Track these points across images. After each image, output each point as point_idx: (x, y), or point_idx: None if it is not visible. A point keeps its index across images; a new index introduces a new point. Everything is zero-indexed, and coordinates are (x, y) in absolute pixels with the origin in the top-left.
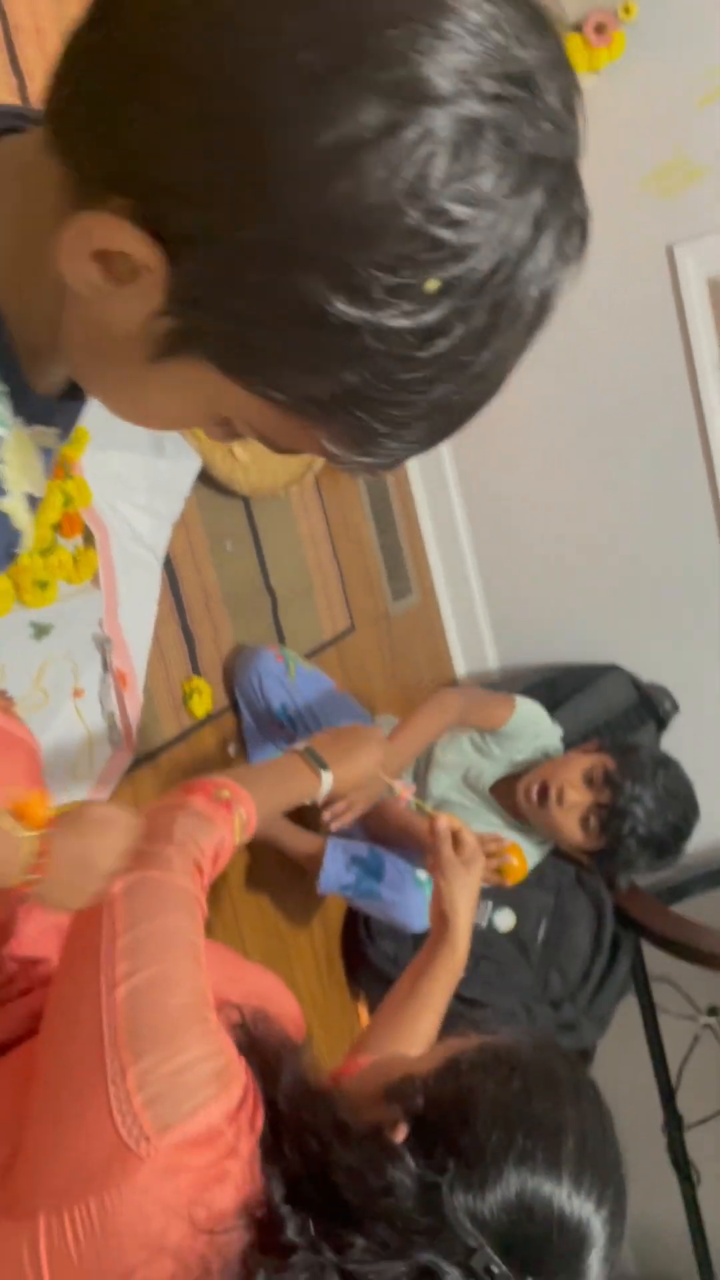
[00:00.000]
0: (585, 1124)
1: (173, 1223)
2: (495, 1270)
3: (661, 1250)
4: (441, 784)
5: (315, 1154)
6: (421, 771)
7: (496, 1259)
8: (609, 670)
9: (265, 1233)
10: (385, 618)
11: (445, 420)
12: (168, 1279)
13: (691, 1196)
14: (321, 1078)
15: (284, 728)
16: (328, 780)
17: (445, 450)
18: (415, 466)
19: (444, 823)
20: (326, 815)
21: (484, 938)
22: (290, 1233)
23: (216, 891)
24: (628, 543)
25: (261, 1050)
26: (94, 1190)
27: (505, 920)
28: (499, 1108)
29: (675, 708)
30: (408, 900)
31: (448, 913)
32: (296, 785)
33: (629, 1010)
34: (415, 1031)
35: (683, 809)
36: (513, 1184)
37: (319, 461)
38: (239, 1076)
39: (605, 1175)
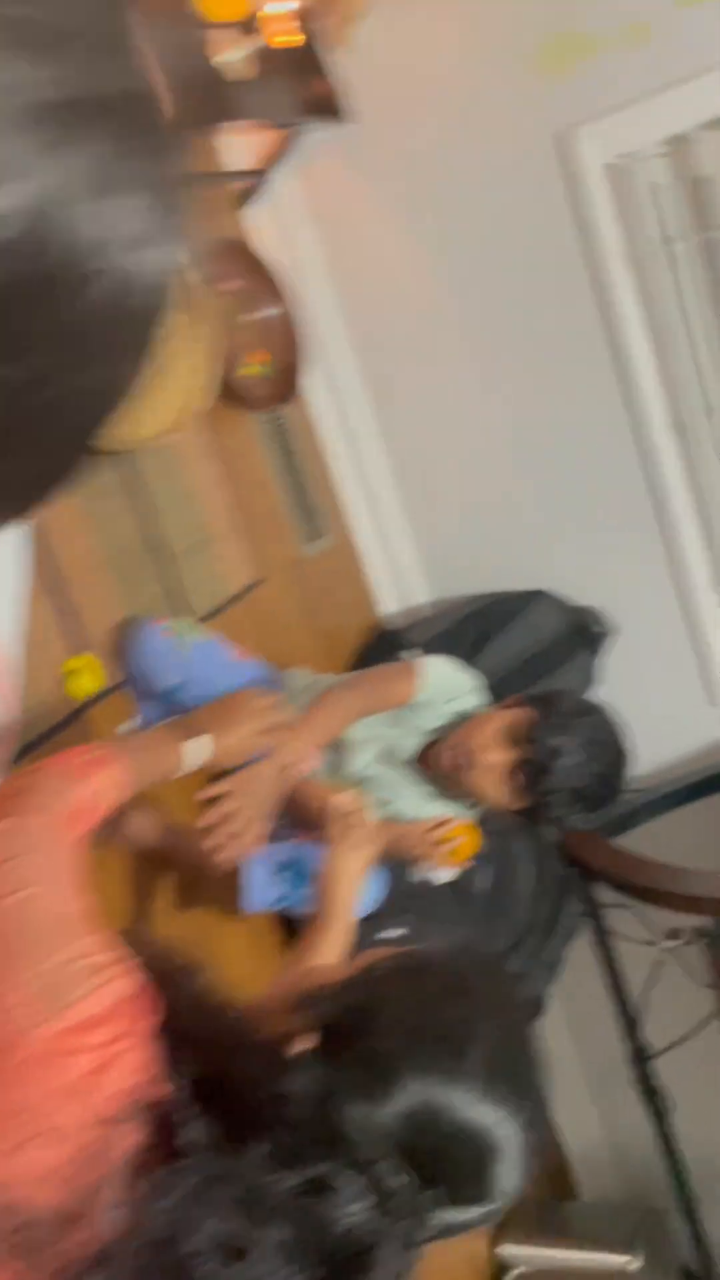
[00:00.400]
0: (497, 1034)
1: (65, 1104)
2: (393, 1183)
3: (643, 1173)
4: (360, 761)
5: (215, 1062)
6: (337, 752)
7: (394, 1172)
8: (537, 596)
9: (160, 1135)
10: (298, 563)
11: None
12: (56, 1162)
13: (661, 1125)
14: (226, 993)
15: (177, 709)
16: (201, 747)
17: (350, 378)
18: (318, 397)
19: (335, 801)
20: (207, 844)
21: (415, 892)
22: (188, 1134)
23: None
24: (546, 457)
25: (159, 960)
26: None
27: (443, 872)
28: (404, 1014)
29: (608, 629)
30: None
31: (327, 890)
32: (166, 753)
33: (588, 942)
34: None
35: (610, 756)
36: (413, 1093)
37: (197, 401)
38: (131, 972)
39: (516, 1086)
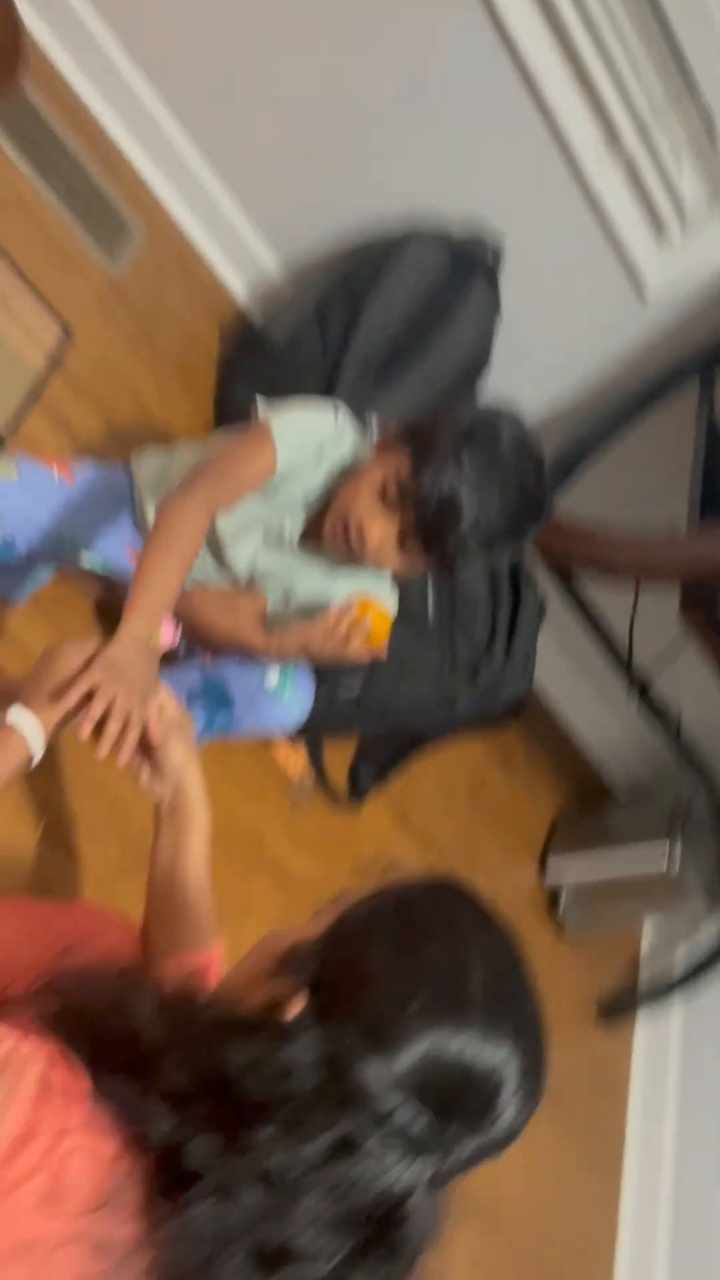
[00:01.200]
0: (490, 960)
1: (35, 1223)
2: (416, 1128)
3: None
4: (244, 556)
5: (204, 1062)
6: (217, 552)
7: (413, 1115)
8: (405, 241)
9: (162, 1174)
10: (108, 287)
11: None
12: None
13: (677, 739)
14: (189, 984)
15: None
16: (25, 725)
17: (87, 11)
18: (57, 54)
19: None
20: (100, 754)
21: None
22: (192, 1159)
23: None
24: (377, 50)
25: (89, 994)
26: None
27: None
28: (393, 961)
29: (497, 251)
30: (268, 711)
31: (179, 787)
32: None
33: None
34: (204, 924)
35: (519, 477)
36: (421, 1041)
37: None
38: (30, 1056)
39: (516, 1010)
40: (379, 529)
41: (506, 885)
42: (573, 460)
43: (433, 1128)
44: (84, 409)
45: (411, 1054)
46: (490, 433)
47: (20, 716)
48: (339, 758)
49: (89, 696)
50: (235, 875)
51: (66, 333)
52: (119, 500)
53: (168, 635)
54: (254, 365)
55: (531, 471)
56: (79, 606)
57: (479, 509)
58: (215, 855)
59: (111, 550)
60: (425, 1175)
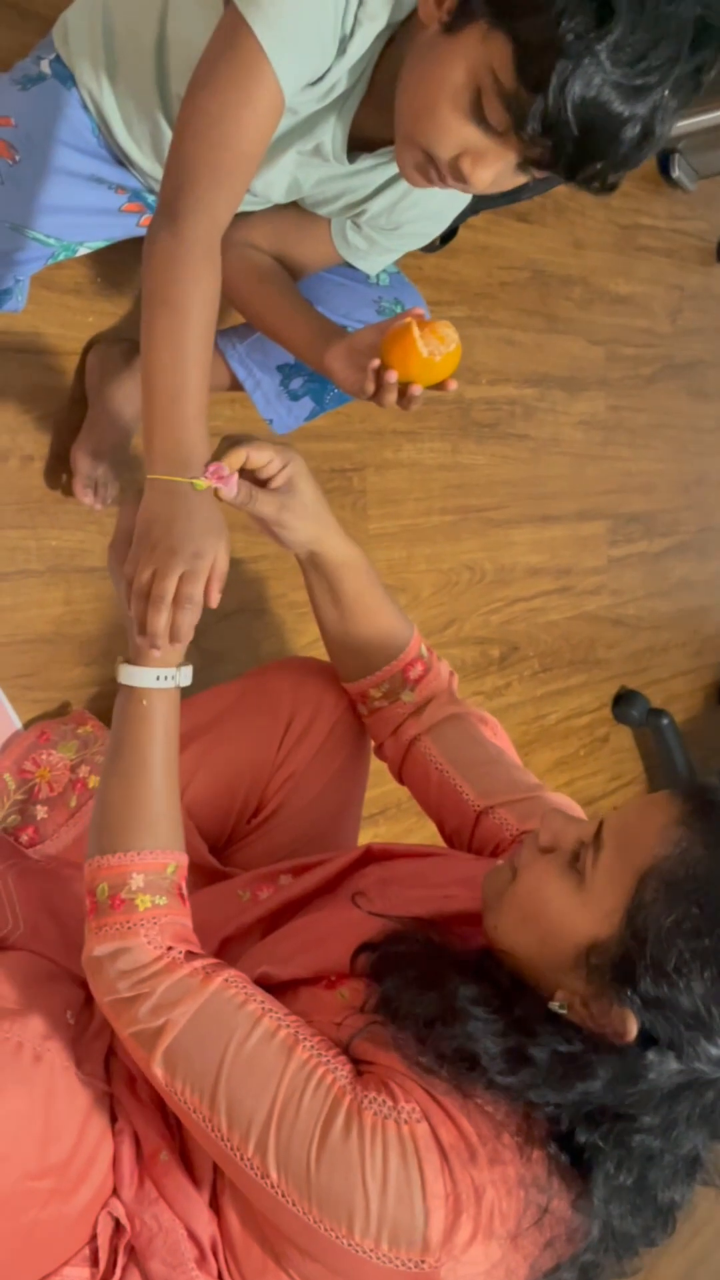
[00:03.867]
0: None
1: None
2: None
3: None
4: (279, 183)
5: (564, 1092)
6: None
7: None
8: None
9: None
10: None
11: None
12: None
13: None
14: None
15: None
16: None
17: None
18: None
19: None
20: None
21: None
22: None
23: None
24: None
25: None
26: None
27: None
28: (702, 961)
29: None
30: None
31: (314, 553)
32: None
33: None
34: (390, 640)
35: (693, 16)
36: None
37: None
38: (411, 1116)
39: None
40: (489, 165)
41: None
42: None
43: None
44: None
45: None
46: None
47: (129, 674)
48: None
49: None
50: None
51: None
52: (77, 136)
53: (225, 482)
54: None
55: None
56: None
57: (645, 108)
58: None
59: (103, 223)
60: None
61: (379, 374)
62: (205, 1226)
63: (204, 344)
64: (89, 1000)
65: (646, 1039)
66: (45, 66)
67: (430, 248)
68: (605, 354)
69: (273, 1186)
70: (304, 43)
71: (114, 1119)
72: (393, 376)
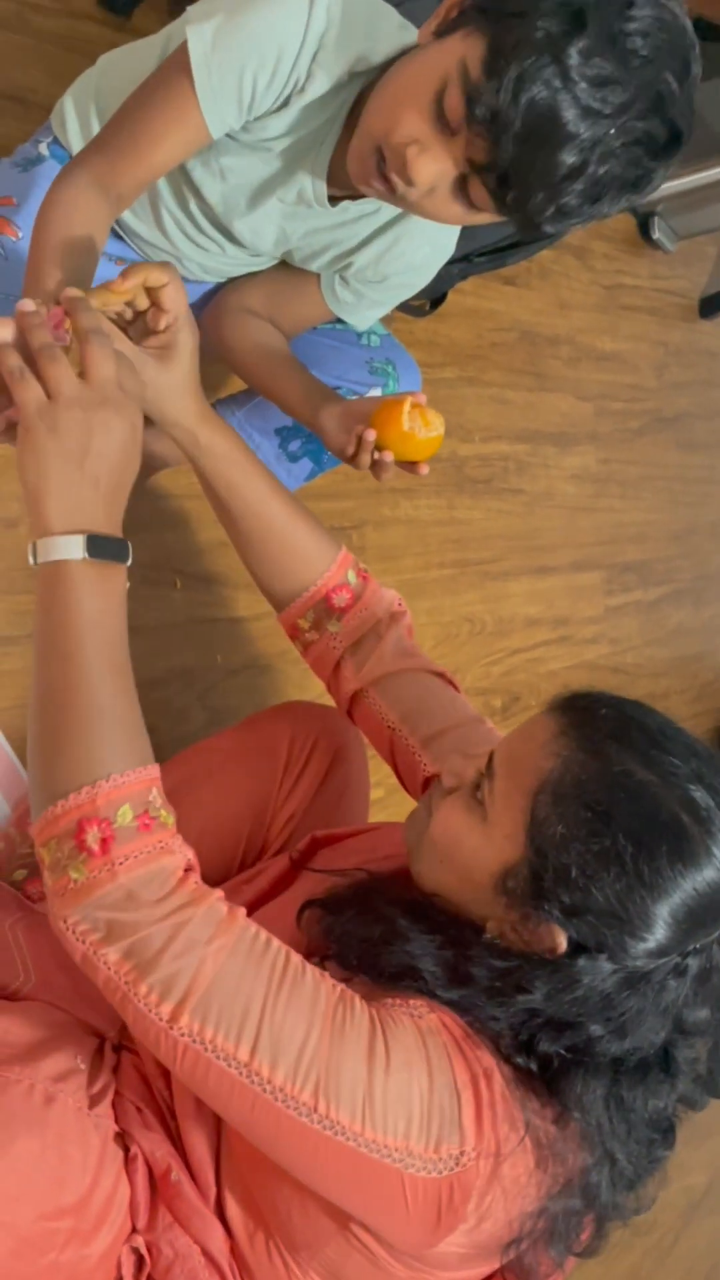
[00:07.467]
0: (681, 778)
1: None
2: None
3: None
4: (267, 233)
5: (510, 1003)
6: (223, 227)
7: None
8: None
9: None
10: None
11: None
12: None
13: None
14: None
15: None
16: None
17: None
18: None
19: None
20: None
21: None
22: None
23: None
24: None
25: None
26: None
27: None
28: (604, 861)
29: None
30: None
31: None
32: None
33: None
34: (314, 549)
35: (655, 86)
36: (670, 902)
37: None
38: (421, 1009)
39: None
40: (432, 160)
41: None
42: None
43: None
44: None
45: (669, 905)
46: (616, 6)
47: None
48: None
49: None
50: None
51: None
52: None
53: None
54: None
55: (676, 72)
56: None
57: (590, 133)
58: None
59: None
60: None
61: (361, 435)
62: (220, 1244)
63: (77, 264)
64: (100, 1047)
65: (579, 948)
66: (44, 149)
67: (421, 312)
68: (594, 409)
69: (320, 1120)
70: (239, 87)
71: (126, 1152)
72: (371, 436)
